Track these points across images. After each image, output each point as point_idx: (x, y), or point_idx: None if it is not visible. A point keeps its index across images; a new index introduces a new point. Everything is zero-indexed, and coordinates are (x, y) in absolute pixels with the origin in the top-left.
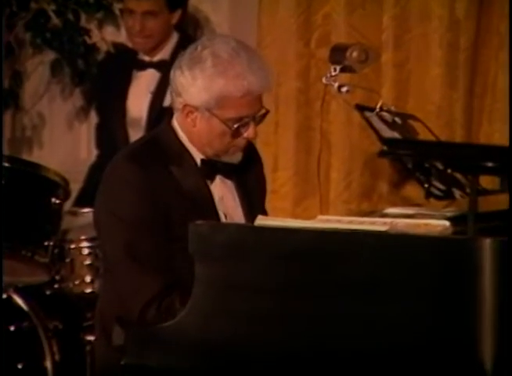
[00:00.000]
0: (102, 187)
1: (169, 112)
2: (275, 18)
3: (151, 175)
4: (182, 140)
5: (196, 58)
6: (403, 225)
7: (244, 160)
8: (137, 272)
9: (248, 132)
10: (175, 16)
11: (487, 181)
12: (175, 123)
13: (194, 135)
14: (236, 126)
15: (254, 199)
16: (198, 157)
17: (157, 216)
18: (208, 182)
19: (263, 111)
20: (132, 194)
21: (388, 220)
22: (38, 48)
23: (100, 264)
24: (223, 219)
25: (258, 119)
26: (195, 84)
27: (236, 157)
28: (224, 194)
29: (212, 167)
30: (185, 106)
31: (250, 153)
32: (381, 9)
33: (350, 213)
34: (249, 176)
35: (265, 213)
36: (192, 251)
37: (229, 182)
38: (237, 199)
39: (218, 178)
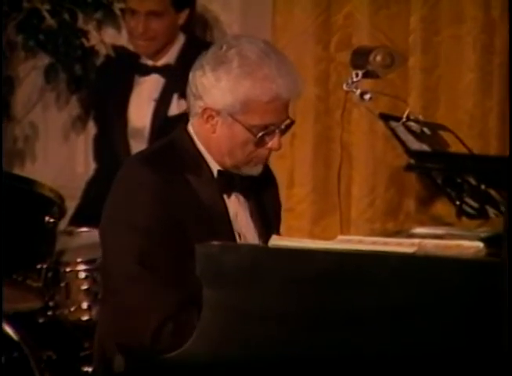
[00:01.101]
0: (113, 194)
1: (182, 118)
2: (290, 18)
3: (168, 181)
4: (199, 148)
5: (220, 58)
6: (432, 246)
7: (259, 179)
8: (153, 284)
9: (273, 142)
10: (182, 17)
11: None
12: (191, 130)
13: (213, 143)
14: (260, 134)
15: (268, 220)
16: (215, 167)
17: (174, 224)
18: (225, 196)
19: (288, 121)
20: (148, 199)
21: (416, 241)
22: (31, 51)
23: (99, 289)
24: (237, 239)
25: (283, 129)
26: (218, 86)
27: (256, 169)
28: (238, 211)
29: (230, 180)
30: (206, 109)
31: (265, 173)
32: (408, 9)
33: (373, 233)
34: (264, 196)
35: (278, 233)
36: (200, 273)
37: (243, 200)
38: (250, 218)
39: (234, 194)
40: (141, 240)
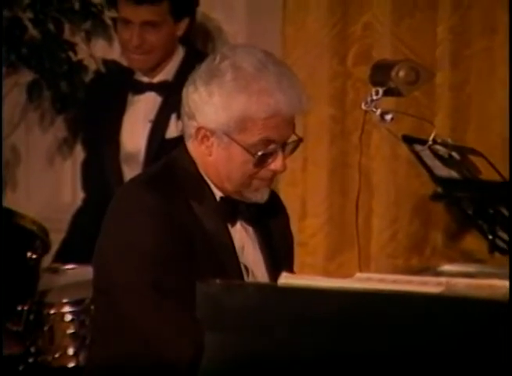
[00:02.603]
0: (111, 222)
1: (178, 143)
2: (302, 28)
3: (173, 205)
4: (200, 171)
5: (213, 71)
6: (462, 286)
7: (268, 208)
8: (174, 310)
9: (275, 163)
10: (181, 27)
11: None
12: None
13: (210, 167)
14: (260, 153)
15: (279, 254)
16: (218, 194)
17: (183, 249)
18: (229, 225)
19: (293, 139)
20: (154, 223)
21: (443, 280)
22: (12, 66)
23: (87, 333)
24: (244, 273)
25: (289, 149)
26: (211, 102)
27: (261, 195)
28: (245, 243)
29: (233, 207)
30: (200, 129)
31: (274, 202)
32: (435, 17)
33: (396, 270)
34: (274, 227)
35: (291, 270)
36: (201, 315)
37: (251, 230)
38: (259, 251)
39: (239, 224)
40: (153, 269)
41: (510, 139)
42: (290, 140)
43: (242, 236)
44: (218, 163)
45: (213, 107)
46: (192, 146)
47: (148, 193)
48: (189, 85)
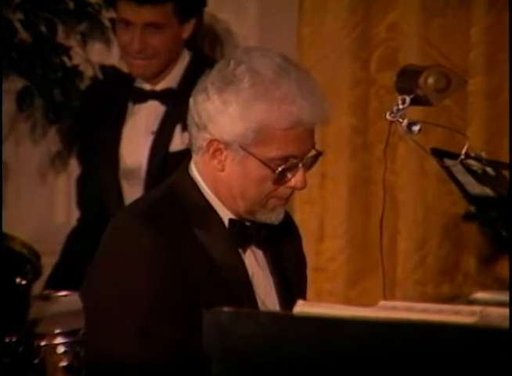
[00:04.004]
0: (102, 257)
1: (186, 155)
2: (320, 30)
3: (174, 241)
4: (205, 194)
5: (228, 77)
6: (497, 315)
7: (279, 229)
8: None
9: (296, 179)
10: (187, 29)
11: None
12: (194, 170)
13: (222, 184)
14: (280, 169)
15: (290, 279)
16: (226, 216)
17: (184, 294)
18: (240, 251)
19: (314, 152)
20: (153, 265)
21: (477, 308)
22: (1, 72)
23: (82, 366)
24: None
25: (308, 163)
26: (226, 112)
27: (276, 216)
28: (255, 270)
29: (244, 231)
30: (212, 142)
31: (286, 222)
32: (469, 17)
33: (424, 298)
34: (285, 249)
35: (303, 297)
36: (209, 346)
37: (261, 254)
38: (270, 277)
39: (249, 249)
40: (141, 317)
41: (510, 138)
42: (310, 155)
43: (251, 262)
44: (232, 179)
45: (229, 117)
46: (201, 160)
47: (146, 228)
48: (198, 93)
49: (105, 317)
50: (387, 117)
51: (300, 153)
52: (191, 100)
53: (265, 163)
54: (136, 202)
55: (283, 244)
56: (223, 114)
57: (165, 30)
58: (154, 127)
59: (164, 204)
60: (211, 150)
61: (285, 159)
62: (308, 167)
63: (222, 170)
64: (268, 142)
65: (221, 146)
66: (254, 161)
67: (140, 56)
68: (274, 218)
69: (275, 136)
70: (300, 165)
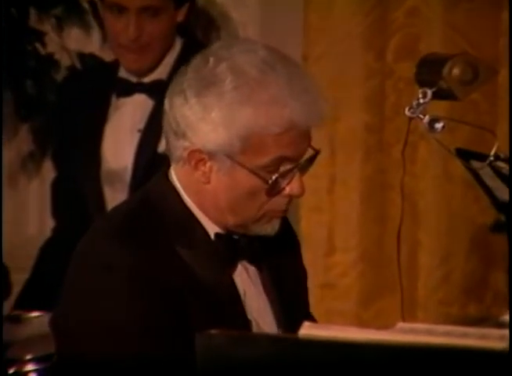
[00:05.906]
0: (76, 282)
1: (165, 160)
2: (329, 16)
3: (154, 262)
4: (187, 204)
5: (207, 77)
6: None
7: (273, 238)
8: None
9: (292, 186)
10: (180, 14)
11: None
12: (175, 178)
13: (207, 197)
14: (274, 178)
15: (288, 296)
16: (212, 230)
17: (169, 320)
18: (229, 267)
19: (310, 153)
20: (131, 289)
21: (507, 332)
22: None
23: None
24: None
25: (304, 165)
26: (208, 119)
27: (271, 227)
28: (246, 288)
29: (232, 245)
30: (193, 152)
31: (282, 230)
32: (499, 0)
33: (448, 320)
34: (281, 262)
35: (311, 318)
36: (203, 371)
37: (253, 270)
38: (264, 296)
39: (239, 265)
40: (122, 343)
41: (510, 138)
42: (306, 156)
43: (243, 279)
44: (219, 192)
45: (211, 124)
46: (181, 171)
47: (117, 250)
48: (174, 96)
49: (81, 344)
50: (406, 113)
51: (295, 155)
52: (166, 102)
53: (256, 172)
54: (107, 217)
55: (279, 256)
56: (204, 121)
57: (161, 15)
58: (141, 124)
59: (140, 217)
60: (193, 161)
61: (278, 164)
62: (305, 169)
63: (208, 182)
64: (257, 150)
65: (204, 156)
66: (243, 171)
67: (135, 46)
68: (270, 229)
69: (265, 142)
70: (295, 170)
